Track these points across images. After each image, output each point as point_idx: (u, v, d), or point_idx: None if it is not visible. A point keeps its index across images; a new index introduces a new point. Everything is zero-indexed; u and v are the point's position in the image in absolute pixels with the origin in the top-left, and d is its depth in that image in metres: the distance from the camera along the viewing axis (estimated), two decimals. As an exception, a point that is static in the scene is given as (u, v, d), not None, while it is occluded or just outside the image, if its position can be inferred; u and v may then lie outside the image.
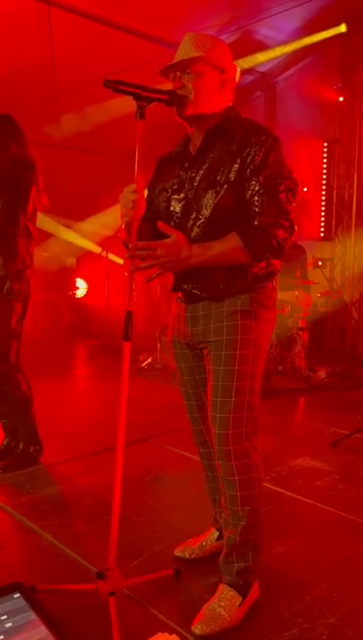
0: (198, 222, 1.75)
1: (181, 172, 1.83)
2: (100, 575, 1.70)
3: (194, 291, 1.81)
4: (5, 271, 2.77)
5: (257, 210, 1.67)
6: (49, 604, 1.75)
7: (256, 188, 1.67)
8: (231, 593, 1.81)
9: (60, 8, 5.12)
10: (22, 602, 1.48)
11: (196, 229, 1.76)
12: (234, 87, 1.83)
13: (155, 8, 5.18)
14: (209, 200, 1.72)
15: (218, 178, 1.71)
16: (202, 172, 1.76)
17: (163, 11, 5.20)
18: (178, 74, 1.73)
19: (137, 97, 1.64)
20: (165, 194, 1.86)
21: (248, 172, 1.68)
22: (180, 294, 1.90)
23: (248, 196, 1.68)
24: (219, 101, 1.78)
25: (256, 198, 1.67)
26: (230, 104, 1.82)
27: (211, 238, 1.73)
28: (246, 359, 1.75)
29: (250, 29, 6.12)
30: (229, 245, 1.68)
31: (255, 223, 1.66)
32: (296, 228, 1.72)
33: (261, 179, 1.67)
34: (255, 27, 6.09)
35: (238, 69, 1.82)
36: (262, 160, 1.67)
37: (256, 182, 1.67)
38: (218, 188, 1.71)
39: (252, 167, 1.67)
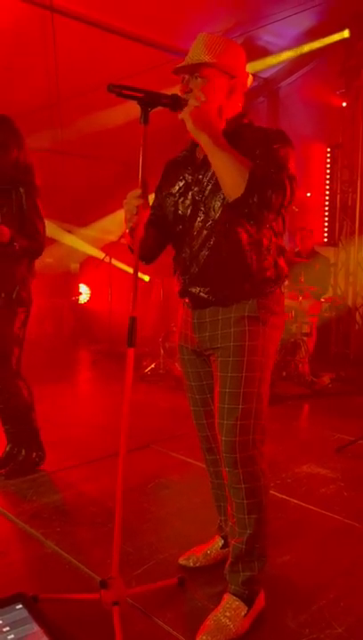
0: (207, 224, 1.74)
1: (187, 176, 1.82)
2: (104, 584, 1.68)
3: (201, 294, 1.80)
4: (13, 278, 2.77)
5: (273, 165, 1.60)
6: (51, 613, 1.73)
7: (264, 161, 1.61)
8: (237, 603, 1.79)
9: (63, 15, 5.14)
10: (24, 613, 1.46)
11: (204, 231, 1.75)
12: (244, 92, 1.81)
13: (158, 14, 5.20)
14: (217, 202, 1.71)
15: None
16: (210, 174, 1.74)
17: (166, 17, 5.22)
18: (186, 77, 1.72)
19: (141, 101, 1.63)
20: (172, 198, 1.85)
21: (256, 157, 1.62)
22: (187, 300, 1.88)
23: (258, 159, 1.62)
24: (227, 107, 1.75)
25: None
26: (240, 109, 1.80)
27: (220, 241, 1.72)
28: (253, 366, 1.74)
29: (253, 35, 6.14)
30: (240, 156, 1.59)
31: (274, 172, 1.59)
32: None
33: (267, 158, 1.61)
34: (258, 33, 6.11)
35: (250, 74, 1.80)
36: (270, 148, 1.63)
37: (263, 159, 1.61)
38: None
39: (260, 159, 1.62)
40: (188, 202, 1.80)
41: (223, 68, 1.71)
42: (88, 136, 6.40)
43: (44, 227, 2.82)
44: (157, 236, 1.90)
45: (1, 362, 2.84)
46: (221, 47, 1.71)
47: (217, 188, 1.70)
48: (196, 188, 1.78)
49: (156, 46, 5.65)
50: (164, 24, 5.31)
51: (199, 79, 1.70)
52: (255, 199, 1.56)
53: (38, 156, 2.87)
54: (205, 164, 1.76)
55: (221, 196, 1.69)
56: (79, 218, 7.52)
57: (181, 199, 1.82)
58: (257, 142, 1.67)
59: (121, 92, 1.59)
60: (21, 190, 2.74)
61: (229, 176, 1.59)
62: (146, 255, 1.92)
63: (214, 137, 1.61)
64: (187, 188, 1.81)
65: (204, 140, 1.61)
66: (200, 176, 1.77)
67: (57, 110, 5.82)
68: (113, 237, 6.87)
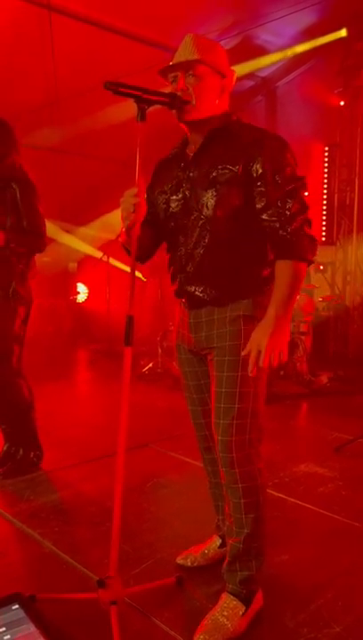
0: (200, 222, 1.73)
1: (178, 173, 1.81)
2: (101, 584, 1.68)
3: (197, 293, 1.79)
4: (9, 274, 2.76)
5: (283, 214, 1.64)
6: (49, 613, 1.73)
7: (274, 194, 1.64)
8: (234, 602, 1.78)
9: (60, 14, 5.12)
10: (21, 613, 1.45)
11: (199, 230, 1.74)
12: (231, 92, 1.81)
13: (155, 13, 5.18)
14: (210, 200, 1.70)
15: (218, 177, 1.68)
16: (200, 171, 1.73)
17: (163, 16, 5.20)
18: (179, 74, 1.70)
19: (138, 99, 1.62)
20: (164, 195, 1.85)
21: (259, 177, 1.64)
22: (183, 300, 1.88)
23: (265, 202, 1.65)
24: (218, 106, 1.75)
25: (279, 204, 1.64)
26: (227, 108, 1.80)
27: (214, 239, 1.71)
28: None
29: (250, 34, 6.12)
30: (287, 277, 1.66)
31: (289, 230, 1.64)
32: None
33: (275, 184, 1.64)
34: (256, 32, 6.10)
35: (235, 74, 1.80)
36: (273, 165, 1.64)
37: (272, 188, 1.64)
38: (218, 187, 1.68)
39: (264, 173, 1.64)
40: (179, 199, 1.79)
41: (215, 66, 1.71)
42: (86, 135, 6.39)
43: (44, 223, 2.82)
44: (153, 236, 1.90)
45: (1, 360, 2.83)
46: (210, 47, 1.71)
47: (209, 185, 1.70)
48: (187, 185, 1.77)
49: (154, 45, 5.64)
50: (162, 23, 5.30)
51: (193, 77, 1.68)
52: (312, 254, 1.68)
53: (37, 155, 2.88)
54: (196, 161, 1.76)
55: (214, 194, 1.68)
56: (77, 217, 7.50)
57: (173, 197, 1.81)
58: (253, 148, 1.66)
59: (117, 89, 1.58)
60: (14, 186, 2.73)
61: (301, 281, 1.71)
62: (142, 254, 1.91)
63: (282, 314, 1.66)
64: (178, 185, 1.80)
65: (283, 317, 1.67)
66: (191, 173, 1.76)
67: (55, 109, 5.81)
68: (111, 236, 6.86)
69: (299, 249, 1.66)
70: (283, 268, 1.67)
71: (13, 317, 2.81)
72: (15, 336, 2.84)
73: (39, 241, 2.80)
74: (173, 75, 1.71)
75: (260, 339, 1.64)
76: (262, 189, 1.65)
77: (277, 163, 1.65)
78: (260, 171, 1.65)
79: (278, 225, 1.65)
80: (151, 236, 1.90)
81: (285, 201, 1.64)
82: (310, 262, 1.70)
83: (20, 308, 2.83)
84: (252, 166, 1.65)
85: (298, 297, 5.43)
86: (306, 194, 1.72)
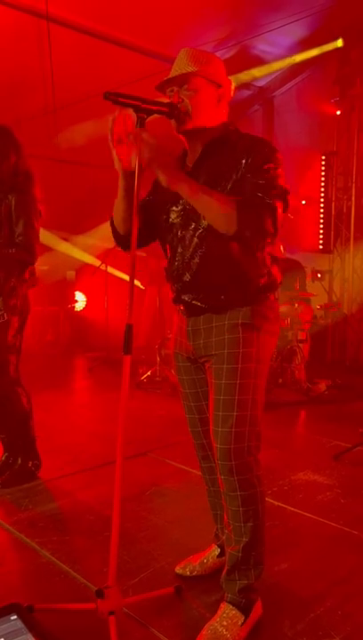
0: (197, 232, 1.75)
1: None
2: (100, 594, 1.67)
3: (194, 302, 1.80)
4: (1, 287, 2.76)
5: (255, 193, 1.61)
6: (47, 624, 1.72)
7: (253, 185, 1.63)
8: (233, 612, 1.77)
9: (58, 24, 5.17)
10: (19, 624, 1.44)
11: (195, 240, 1.75)
12: (229, 101, 1.82)
13: (153, 23, 5.23)
14: None
15: (216, 188, 1.70)
16: (199, 182, 1.75)
17: (161, 26, 5.25)
18: (175, 89, 1.73)
19: (137, 109, 1.64)
20: (163, 206, 1.86)
21: (245, 176, 1.65)
22: (181, 307, 1.88)
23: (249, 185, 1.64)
24: (216, 115, 1.78)
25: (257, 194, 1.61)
26: (226, 118, 1.82)
27: (211, 249, 1.72)
28: (247, 372, 1.73)
29: (248, 44, 6.18)
30: (222, 196, 1.62)
31: (267, 201, 1.59)
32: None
33: (256, 180, 1.63)
34: (253, 42, 6.16)
35: (233, 84, 1.82)
36: (259, 166, 1.65)
37: (252, 181, 1.64)
38: None
39: (249, 174, 1.65)
40: (179, 210, 1.80)
41: (210, 77, 1.73)
42: (85, 143, 6.41)
43: (35, 237, 2.80)
44: (147, 223, 1.88)
45: None
46: (205, 59, 1.74)
47: None
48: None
49: (151, 55, 5.68)
50: (159, 33, 5.35)
51: (189, 90, 1.71)
52: (248, 233, 1.59)
53: (34, 164, 2.88)
54: (196, 172, 1.77)
55: None
56: (75, 225, 7.52)
57: (173, 207, 1.82)
58: (244, 153, 1.67)
59: (117, 99, 1.60)
60: (10, 197, 2.74)
61: (216, 220, 1.63)
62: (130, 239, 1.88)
63: (181, 178, 1.61)
64: (177, 195, 1.81)
65: (183, 192, 1.62)
66: None
67: (53, 118, 5.84)
68: (109, 245, 6.87)
69: (253, 220, 1.58)
70: (230, 202, 1.59)
71: (6, 328, 2.80)
72: (9, 346, 2.83)
73: (28, 255, 2.78)
74: (169, 89, 1.74)
75: (160, 154, 1.59)
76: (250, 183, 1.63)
77: (263, 158, 1.65)
78: (248, 176, 1.64)
79: (260, 194, 1.60)
80: (145, 222, 1.88)
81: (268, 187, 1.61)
82: (245, 238, 1.61)
83: (13, 319, 2.83)
84: (243, 173, 1.66)
85: (296, 305, 5.41)
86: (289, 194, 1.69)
